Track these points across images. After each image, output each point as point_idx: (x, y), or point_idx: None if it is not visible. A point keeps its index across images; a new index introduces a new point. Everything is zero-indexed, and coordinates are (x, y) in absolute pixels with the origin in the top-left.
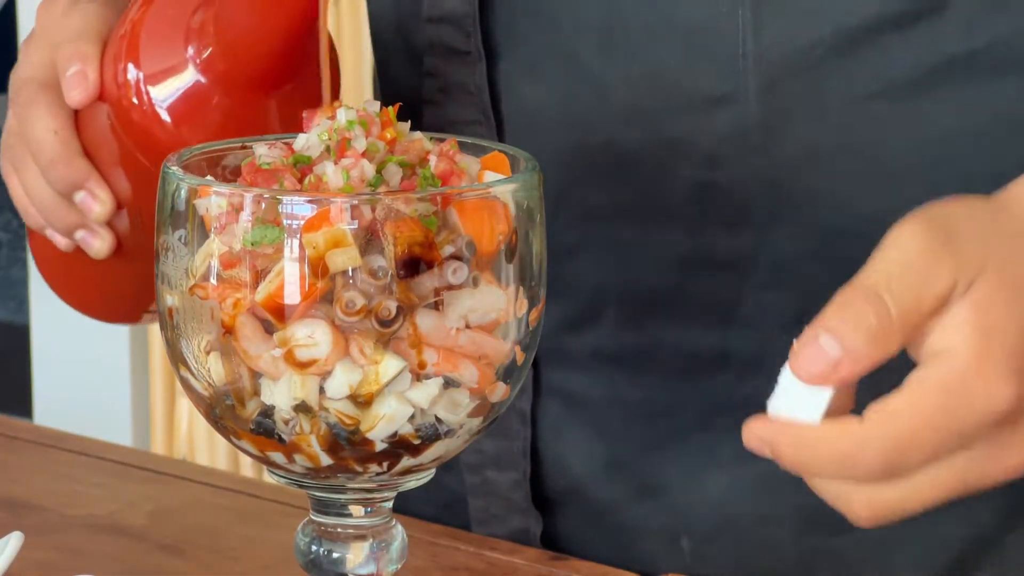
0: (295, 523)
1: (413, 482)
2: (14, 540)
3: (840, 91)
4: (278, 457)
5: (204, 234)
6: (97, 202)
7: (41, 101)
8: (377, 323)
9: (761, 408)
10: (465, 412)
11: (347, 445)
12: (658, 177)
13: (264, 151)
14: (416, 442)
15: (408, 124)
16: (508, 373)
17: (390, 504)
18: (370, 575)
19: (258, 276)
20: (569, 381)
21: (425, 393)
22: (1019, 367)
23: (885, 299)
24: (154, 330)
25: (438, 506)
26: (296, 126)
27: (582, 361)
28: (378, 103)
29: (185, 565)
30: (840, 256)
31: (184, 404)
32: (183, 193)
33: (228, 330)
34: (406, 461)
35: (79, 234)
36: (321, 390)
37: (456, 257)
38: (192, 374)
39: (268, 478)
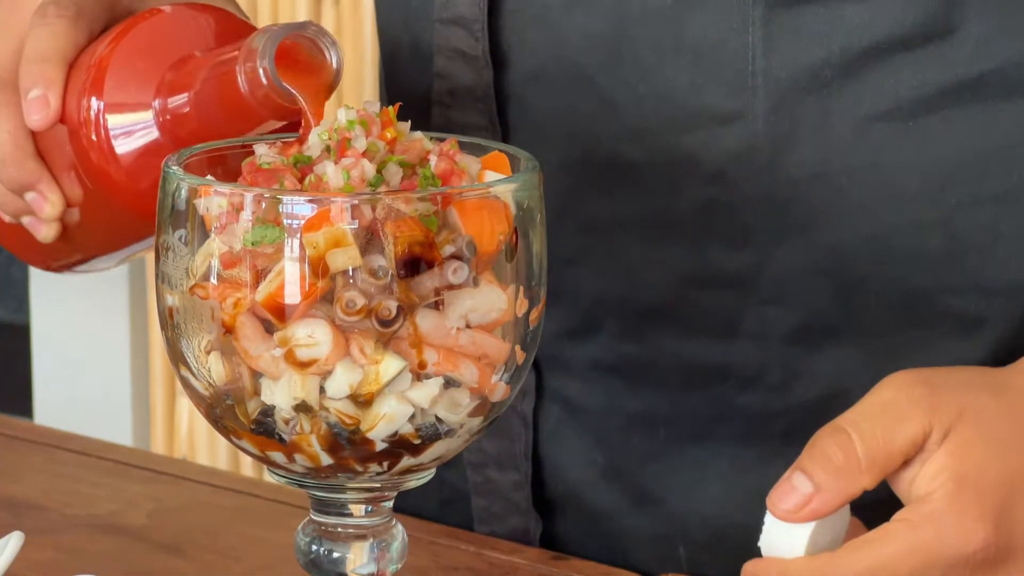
0: (295, 523)
1: (413, 482)
2: (14, 540)
3: (848, 111)
4: (278, 457)
5: (204, 234)
6: (47, 203)
7: None
8: (377, 323)
9: (757, 419)
10: (465, 412)
11: (347, 445)
12: (663, 192)
13: (264, 151)
14: (416, 442)
15: (408, 124)
16: (508, 373)
17: (390, 504)
18: (370, 575)
19: (258, 276)
20: (568, 388)
21: (425, 393)
22: (994, 512)
23: (853, 437)
24: (154, 330)
25: (441, 502)
26: None
27: (580, 370)
28: (378, 103)
29: (185, 565)
30: (843, 273)
31: (184, 404)
32: (183, 193)
33: (228, 330)
34: (406, 461)
35: (26, 219)
36: (321, 390)
37: (456, 257)
38: (192, 374)
39: (268, 478)
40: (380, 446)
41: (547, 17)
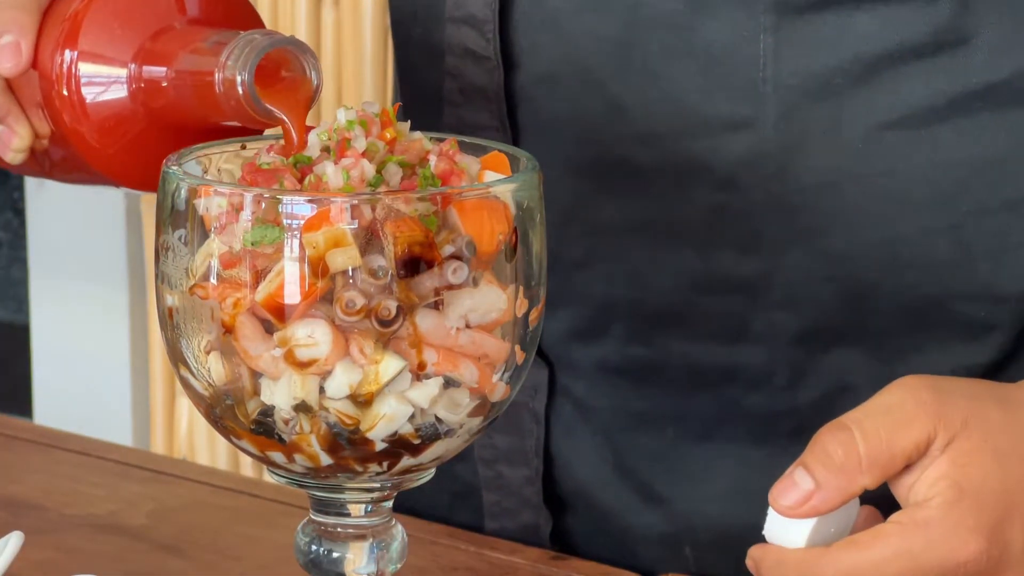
0: (295, 523)
1: (413, 482)
2: (14, 540)
3: (858, 119)
4: (278, 457)
5: (204, 234)
6: (16, 137)
7: None
8: (377, 323)
9: (764, 419)
10: (465, 412)
11: (347, 445)
12: (672, 197)
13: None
14: (416, 442)
15: (408, 124)
16: (508, 373)
17: (390, 504)
18: (370, 575)
19: (258, 276)
20: (576, 388)
21: (425, 393)
22: (990, 524)
23: (856, 436)
24: (154, 330)
25: (452, 497)
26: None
27: (588, 370)
28: (377, 104)
29: (185, 565)
30: (852, 279)
31: (184, 404)
32: (183, 193)
33: (228, 330)
34: (406, 461)
35: None
36: (321, 390)
37: (456, 257)
38: (192, 374)
39: (268, 478)
40: (380, 446)
41: (558, 20)
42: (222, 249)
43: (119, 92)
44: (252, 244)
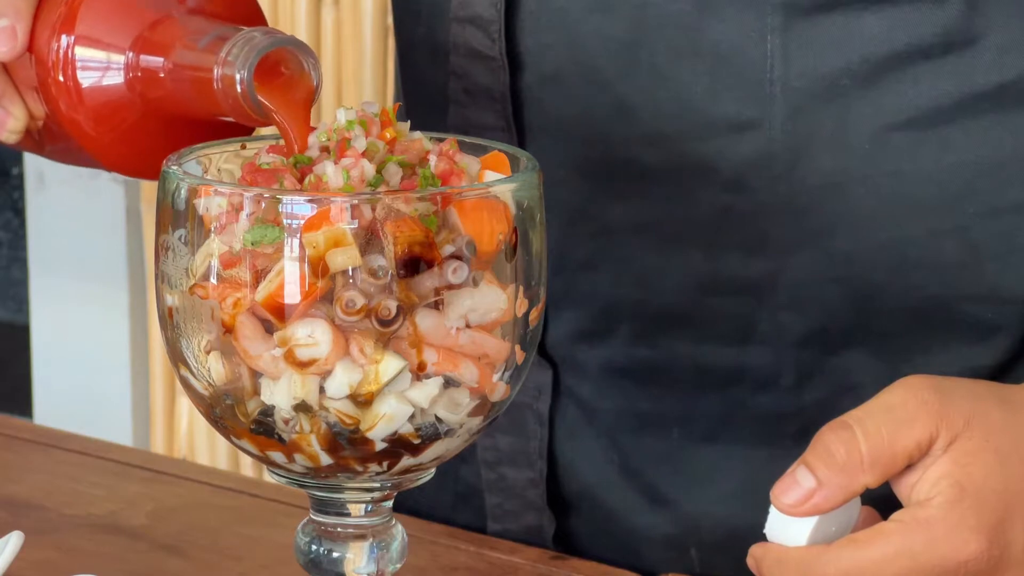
0: (295, 523)
1: (413, 482)
2: (14, 540)
3: (866, 120)
4: (278, 457)
5: (204, 233)
6: (11, 118)
7: None
8: (377, 323)
9: (770, 420)
10: (465, 412)
11: (347, 445)
12: (679, 199)
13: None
14: (416, 441)
15: (408, 124)
16: (508, 372)
17: (390, 504)
18: (370, 575)
19: (258, 276)
20: (581, 389)
21: (425, 393)
22: (991, 524)
23: (857, 434)
24: (154, 330)
25: (455, 497)
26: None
27: (593, 371)
28: (377, 104)
29: (185, 565)
30: (859, 281)
31: (184, 404)
32: (183, 192)
33: (228, 330)
34: (406, 461)
35: None
36: (321, 390)
37: (456, 256)
38: (192, 374)
39: (268, 478)
40: (380, 446)
41: (565, 20)
42: (222, 249)
43: (115, 79)
44: (252, 244)
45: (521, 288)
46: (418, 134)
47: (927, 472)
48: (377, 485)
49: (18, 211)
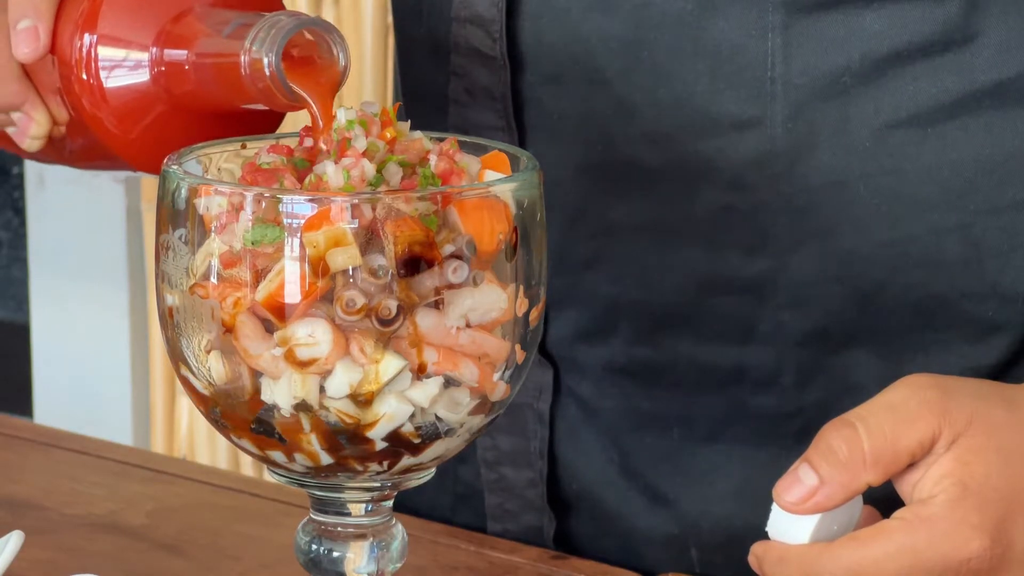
0: (295, 522)
1: (413, 481)
2: (14, 539)
3: (867, 118)
4: (278, 456)
5: (204, 233)
6: (33, 124)
7: None
8: (377, 322)
9: (771, 420)
10: (465, 411)
11: (347, 444)
12: (680, 197)
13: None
14: (416, 441)
15: (408, 124)
16: (509, 372)
17: (390, 503)
18: (370, 574)
19: (258, 275)
20: (582, 388)
21: (425, 392)
22: (993, 522)
23: (860, 432)
24: (154, 330)
25: (454, 497)
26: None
27: (594, 371)
28: (377, 103)
29: (185, 565)
30: (860, 279)
31: (184, 403)
32: (183, 192)
33: (228, 329)
34: (406, 460)
35: (11, 129)
36: (321, 389)
37: (456, 256)
38: (192, 373)
39: (268, 477)
40: (380, 445)
41: (566, 20)
42: (222, 248)
43: (140, 76)
44: (252, 243)
45: (521, 288)
46: (418, 134)
47: (929, 470)
48: (377, 485)
49: (18, 211)
